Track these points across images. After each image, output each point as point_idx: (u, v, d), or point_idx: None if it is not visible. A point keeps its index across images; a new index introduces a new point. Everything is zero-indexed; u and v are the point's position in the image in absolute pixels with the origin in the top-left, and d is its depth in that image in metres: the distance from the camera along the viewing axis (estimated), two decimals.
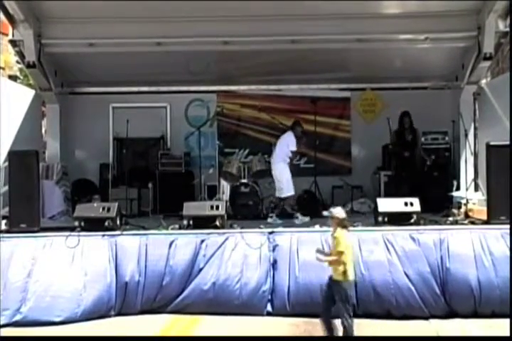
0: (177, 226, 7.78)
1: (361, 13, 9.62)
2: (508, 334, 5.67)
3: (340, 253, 5.31)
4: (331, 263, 5.42)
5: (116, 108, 11.60)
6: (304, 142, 9.86)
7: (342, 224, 5.45)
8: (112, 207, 7.56)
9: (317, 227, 7.58)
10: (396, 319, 6.56)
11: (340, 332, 5.35)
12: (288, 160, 9.47)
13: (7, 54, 17.61)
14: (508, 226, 6.89)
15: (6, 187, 7.88)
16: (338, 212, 5.48)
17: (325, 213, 5.61)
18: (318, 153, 10.99)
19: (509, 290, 6.51)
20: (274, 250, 7.00)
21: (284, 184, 9.40)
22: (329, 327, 5.37)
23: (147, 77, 11.31)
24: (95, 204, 7.93)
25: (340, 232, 5.42)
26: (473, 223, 7.78)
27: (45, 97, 11.06)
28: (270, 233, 7.14)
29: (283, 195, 9.43)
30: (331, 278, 5.45)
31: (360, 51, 10.35)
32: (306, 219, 8.99)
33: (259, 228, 7.46)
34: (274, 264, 6.94)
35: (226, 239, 7.04)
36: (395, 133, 10.23)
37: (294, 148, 9.44)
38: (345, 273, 5.30)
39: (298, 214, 9.16)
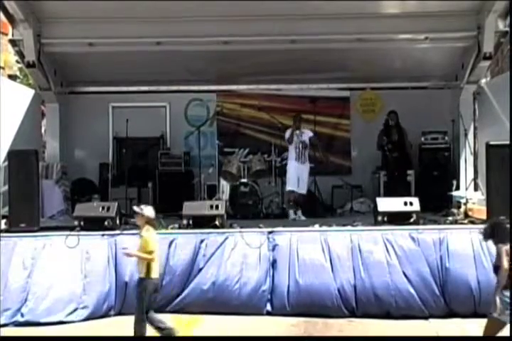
0: (177, 225, 7.78)
1: (361, 13, 9.61)
2: (508, 334, 5.67)
3: (151, 252, 5.44)
4: (140, 260, 5.52)
5: (116, 107, 11.56)
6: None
7: (150, 223, 5.59)
8: (111, 206, 7.56)
9: (317, 227, 7.60)
10: (395, 319, 6.56)
11: (163, 325, 5.44)
12: (295, 155, 9.66)
13: (7, 53, 17.53)
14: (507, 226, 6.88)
15: (6, 187, 7.88)
16: (149, 210, 5.62)
17: (135, 208, 5.72)
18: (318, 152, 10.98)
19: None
20: (273, 249, 7.01)
21: (288, 179, 9.68)
22: (156, 325, 5.43)
23: (147, 77, 11.28)
24: (95, 204, 7.96)
25: (148, 232, 5.54)
26: (472, 223, 7.78)
27: (45, 97, 11.02)
28: (270, 232, 7.14)
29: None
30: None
31: (359, 51, 10.34)
32: (302, 217, 9.20)
33: (259, 227, 7.46)
34: (273, 264, 6.95)
35: (226, 238, 7.04)
36: (382, 133, 10.34)
37: (286, 136, 9.71)
38: (148, 271, 5.42)
39: (291, 212, 9.41)
